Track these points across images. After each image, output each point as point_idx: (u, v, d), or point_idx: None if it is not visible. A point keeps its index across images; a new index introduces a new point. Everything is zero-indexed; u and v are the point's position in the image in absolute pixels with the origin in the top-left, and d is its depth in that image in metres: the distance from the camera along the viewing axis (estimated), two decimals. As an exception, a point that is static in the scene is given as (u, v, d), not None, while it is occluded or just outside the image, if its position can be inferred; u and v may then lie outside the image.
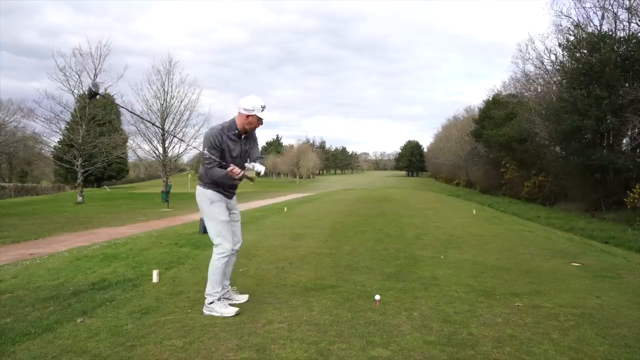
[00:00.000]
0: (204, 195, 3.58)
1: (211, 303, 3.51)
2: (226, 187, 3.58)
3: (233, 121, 3.53)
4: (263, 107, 3.44)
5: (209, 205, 3.55)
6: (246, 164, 3.60)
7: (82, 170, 25.23)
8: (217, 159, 3.43)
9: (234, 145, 3.50)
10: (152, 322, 3.31)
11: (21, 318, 3.49)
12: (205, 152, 3.41)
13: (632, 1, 21.00)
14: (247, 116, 3.45)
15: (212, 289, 3.53)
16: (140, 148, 24.39)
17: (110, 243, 8.25)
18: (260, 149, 3.86)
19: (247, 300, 3.81)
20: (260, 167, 3.57)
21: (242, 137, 3.55)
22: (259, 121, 3.49)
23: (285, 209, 15.09)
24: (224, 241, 3.55)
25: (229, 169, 3.39)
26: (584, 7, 24.12)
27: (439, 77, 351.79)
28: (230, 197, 3.68)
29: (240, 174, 3.40)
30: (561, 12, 30.11)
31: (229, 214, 3.68)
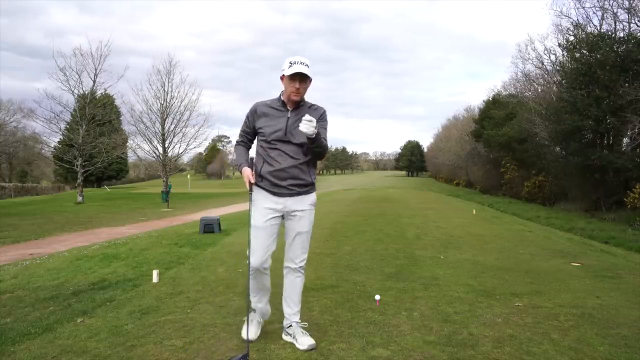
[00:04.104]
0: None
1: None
2: (271, 181, 2.80)
3: (280, 94, 2.89)
4: (291, 63, 2.70)
5: (251, 203, 2.86)
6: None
7: (82, 170, 25.26)
8: (243, 134, 2.96)
9: (274, 119, 2.81)
10: (152, 322, 3.31)
11: (21, 318, 3.49)
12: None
13: (631, 2, 21.02)
14: (282, 79, 2.81)
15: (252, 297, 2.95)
16: (140, 148, 24.48)
17: (110, 243, 8.25)
18: (326, 134, 2.92)
19: (313, 349, 2.79)
20: (306, 126, 2.57)
21: (291, 110, 2.82)
22: (290, 82, 2.72)
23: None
24: (250, 252, 2.80)
25: (244, 168, 2.81)
26: (583, 7, 24.17)
27: (441, 78, 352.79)
28: (279, 195, 2.80)
29: (247, 179, 2.78)
30: (561, 12, 30.16)
31: (275, 218, 2.82)
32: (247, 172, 2.77)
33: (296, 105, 2.81)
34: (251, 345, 2.84)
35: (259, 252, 2.78)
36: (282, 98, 2.84)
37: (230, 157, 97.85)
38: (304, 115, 2.64)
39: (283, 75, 2.76)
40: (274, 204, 2.80)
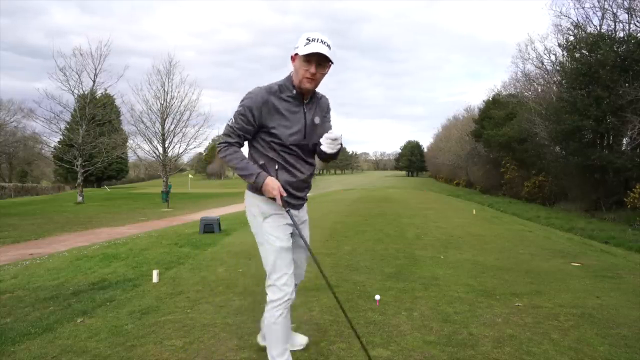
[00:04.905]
0: (253, 204, 2.35)
1: None
2: (292, 193, 2.32)
3: (289, 77, 2.28)
4: (309, 40, 2.12)
5: (260, 221, 2.32)
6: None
7: (82, 170, 25.26)
8: (241, 134, 2.26)
9: (290, 116, 2.24)
10: (152, 322, 3.31)
11: (21, 318, 3.49)
12: (230, 118, 2.28)
13: (631, 2, 21.03)
14: (292, 60, 2.23)
15: (273, 351, 2.34)
16: (140, 148, 24.48)
17: (110, 243, 8.25)
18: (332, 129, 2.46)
19: (306, 346, 2.76)
20: (331, 147, 2.24)
21: (305, 101, 2.30)
22: (305, 65, 2.16)
23: (285, 209, 15.06)
24: (279, 281, 2.27)
25: (268, 178, 2.21)
26: (583, 8, 24.23)
27: (441, 78, 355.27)
28: (296, 208, 2.39)
29: (278, 192, 2.21)
30: (560, 13, 30.17)
31: (291, 234, 2.38)
32: (275, 183, 2.21)
33: (309, 95, 2.29)
34: (250, 346, 2.84)
35: (290, 276, 2.29)
36: (294, 85, 2.25)
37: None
38: (317, 113, 2.32)
39: (296, 54, 2.17)
40: (291, 216, 2.34)
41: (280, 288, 2.26)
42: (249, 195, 2.37)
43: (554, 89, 27.21)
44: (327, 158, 2.36)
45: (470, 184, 52.58)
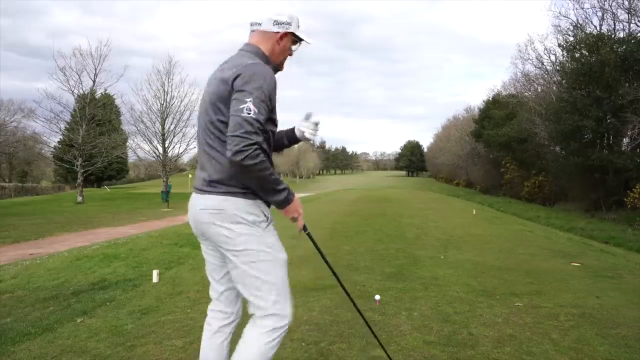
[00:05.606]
0: (247, 211, 1.74)
1: None
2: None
3: (261, 52, 1.85)
4: (298, 25, 1.92)
5: (260, 230, 1.77)
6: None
7: (82, 170, 25.25)
8: (265, 129, 1.67)
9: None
10: (152, 322, 3.31)
11: (21, 318, 3.49)
12: (249, 107, 1.60)
13: (631, 2, 21.02)
14: (281, 37, 1.87)
15: None
16: (140, 148, 24.59)
17: (110, 243, 8.25)
18: None
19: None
20: (315, 133, 2.04)
21: None
22: (289, 47, 1.93)
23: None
24: (280, 301, 1.79)
25: (292, 192, 1.78)
26: (582, 8, 24.19)
27: (442, 78, 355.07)
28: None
29: (302, 211, 1.86)
30: (559, 14, 30.10)
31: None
32: (299, 202, 1.83)
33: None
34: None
35: (290, 295, 1.86)
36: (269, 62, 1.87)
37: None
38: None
39: (286, 32, 1.86)
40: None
41: (284, 316, 1.79)
42: (239, 199, 1.73)
43: (554, 89, 27.18)
44: (279, 150, 2.14)
45: (470, 184, 52.58)
